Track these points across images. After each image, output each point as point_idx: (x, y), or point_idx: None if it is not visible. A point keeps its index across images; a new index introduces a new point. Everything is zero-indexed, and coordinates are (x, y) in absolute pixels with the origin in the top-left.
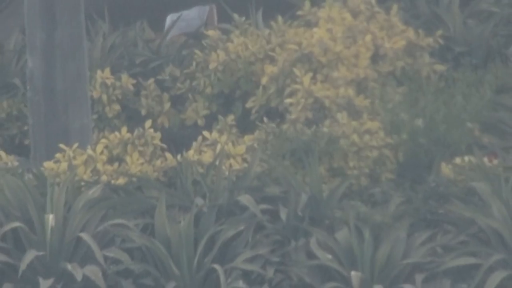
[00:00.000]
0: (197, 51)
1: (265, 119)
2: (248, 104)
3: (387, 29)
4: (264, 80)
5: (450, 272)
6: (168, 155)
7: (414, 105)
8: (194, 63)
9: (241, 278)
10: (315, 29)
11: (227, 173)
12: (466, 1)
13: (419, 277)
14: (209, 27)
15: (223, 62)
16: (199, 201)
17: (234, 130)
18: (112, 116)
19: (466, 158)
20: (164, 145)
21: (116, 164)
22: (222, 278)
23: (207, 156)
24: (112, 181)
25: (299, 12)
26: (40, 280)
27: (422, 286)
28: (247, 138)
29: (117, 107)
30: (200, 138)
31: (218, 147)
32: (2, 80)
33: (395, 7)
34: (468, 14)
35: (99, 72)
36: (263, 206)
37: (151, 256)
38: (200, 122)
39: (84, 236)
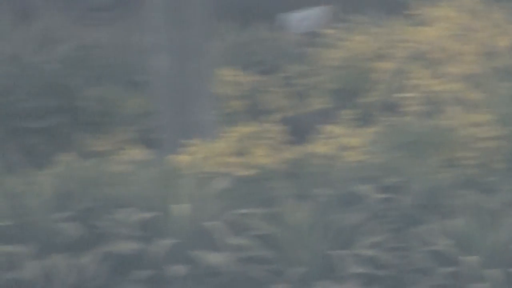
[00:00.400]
0: (318, 49)
1: (382, 112)
2: (366, 99)
3: (499, 27)
4: (380, 76)
5: None
6: (292, 147)
7: None
8: (315, 60)
9: (362, 263)
10: (428, 27)
11: (347, 164)
12: None
13: None
14: (329, 26)
15: (343, 59)
16: (321, 190)
17: (353, 123)
18: (238, 111)
19: None
20: (289, 138)
21: (243, 156)
22: (344, 263)
23: (329, 148)
24: (240, 172)
25: (413, 12)
26: (173, 266)
27: None
28: (366, 131)
29: (243, 102)
30: (322, 131)
31: (339, 139)
32: (132, 77)
33: (506, 6)
34: None
35: (226, 69)
36: (382, 195)
37: (277, 242)
38: (322, 116)
39: (215, 224)
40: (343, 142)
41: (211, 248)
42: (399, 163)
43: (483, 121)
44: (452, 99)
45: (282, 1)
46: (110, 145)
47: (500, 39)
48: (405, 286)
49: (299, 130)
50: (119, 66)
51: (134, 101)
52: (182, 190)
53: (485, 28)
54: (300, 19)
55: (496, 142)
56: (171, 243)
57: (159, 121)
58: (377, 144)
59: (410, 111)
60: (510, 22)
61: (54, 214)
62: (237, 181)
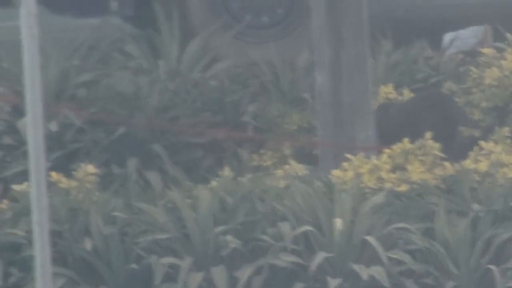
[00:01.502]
0: (473, 68)
1: None
2: None
3: None
4: None
5: None
6: (446, 164)
7: None
8: (470, 79)
9: None
10: None
11: (502, 180)
12: None
13: None
14: (484, 46)
15: (497, 78)
16: (475, 206)
17: (508, 140)
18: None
19: None
20: (443, 155)
21: (398, 172)
22: (497, 277)
23: (483, 165)
24: (395, 188)
25: None
26: (329, 279)
27: None
28: None
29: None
30: (476, 148)
31: (493, 156)
32: (293, 94)
33: None
34: None
35: (382, 87)
36: None
37: (431, 257)
38: (476, 133)
39: (370, 238)
40: (498, 159)
41: (367, 262)
42: None
43: None
44: None
45: (442, 22)
46: (270, 160)
47: None
48: None
49: (454, 147)
50: (282, 83)
51: (296, 117)
52: (338, 205)
53: None
54: (453, 39)
55: None
56: (327, 257)
57: (319, 137)
58: None
59: None
60: None
61: (212, 227)
62: (392, 197)
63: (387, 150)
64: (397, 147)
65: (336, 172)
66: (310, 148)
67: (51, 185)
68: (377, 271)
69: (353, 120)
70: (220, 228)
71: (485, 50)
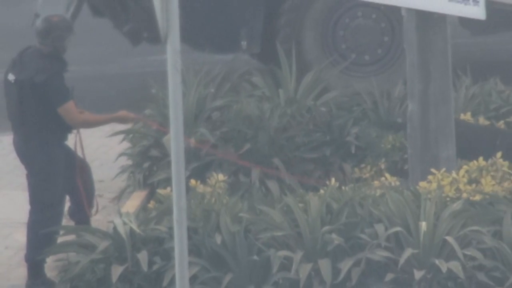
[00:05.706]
0: None
1: None
2: None
3: None
4: None
5: None
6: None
7: None
8: None
9: None
10: None
11: None
12: None
13: None
14: None
15: None
16: None
17: None
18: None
19: None
20: (511, 171)
21: (473, 185)
22: None
23: None
24: (470, 198)
25: None
26: (415, 271)
27: None
28: None
29: None
30: None
31: None
32: (389, 119)
33: None
34: None
35: (462, 115)
36: None
37: (499, 255)
38: None
39: (449, 239)
40: None
41: (446, 258)
42: None
43: None
44: None
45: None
46: (368, 173)
47: None
48: None
49: None
50: (380, 110)
51: (390, 138)
52: (423, 211)
53: None
54: None
55: None
56: (414, 253)
57: (408, 155)
58: None
59: None
60: None
61: (319, 227)
62: (468, 205)
63: (464, 167)
64: (473, 164)
65: (422, 184)
66: (401, 164)
67: (189, 190)
68: (454, 265)
69: (437, 141)
70: (326, 227)
71: None
